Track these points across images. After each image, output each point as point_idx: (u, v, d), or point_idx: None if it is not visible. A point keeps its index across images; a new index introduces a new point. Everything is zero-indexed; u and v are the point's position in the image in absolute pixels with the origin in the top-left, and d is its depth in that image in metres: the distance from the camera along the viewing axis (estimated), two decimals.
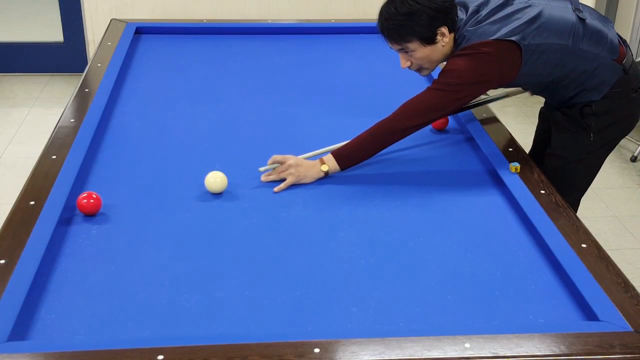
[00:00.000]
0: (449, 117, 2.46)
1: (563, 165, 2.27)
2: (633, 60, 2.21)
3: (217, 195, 2.00)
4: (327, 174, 2.11)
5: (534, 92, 2.31)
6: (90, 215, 1.89)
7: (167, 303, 1.59)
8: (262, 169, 2.10)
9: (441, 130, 2.44)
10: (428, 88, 2.11)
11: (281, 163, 2.10)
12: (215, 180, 1.99)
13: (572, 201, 2.26)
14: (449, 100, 2.08)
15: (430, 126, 2.43)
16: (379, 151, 2.14)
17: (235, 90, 2.73)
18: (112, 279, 1.66)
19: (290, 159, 2.10)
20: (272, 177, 2.09)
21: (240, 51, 3.11)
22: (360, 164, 2.15)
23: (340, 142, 2.17)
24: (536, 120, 2.57)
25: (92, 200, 1.89)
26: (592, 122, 2.18)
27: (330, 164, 2.11)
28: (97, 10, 4.59)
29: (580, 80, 2.12)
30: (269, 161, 2.11)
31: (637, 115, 2.30)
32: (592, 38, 2.10)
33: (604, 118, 2.18)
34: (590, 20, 2.13)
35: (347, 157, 2.12)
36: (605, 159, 2.33)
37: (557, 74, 2.10)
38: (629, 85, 2.18)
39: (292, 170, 2.07)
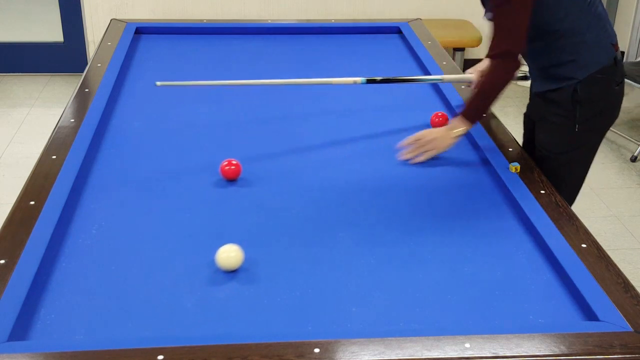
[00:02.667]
0: (449, 117, 2.46)
1: (551, 161, 2.29)
2: (622, 57, 2.26)
3: (225, 198, 2.00)
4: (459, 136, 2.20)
5: (531, 45, 2.30)
6: (233, 179, 2.05)
7: (167, 303, 1.59)
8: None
9: None
10: (494, 15, 2.10)
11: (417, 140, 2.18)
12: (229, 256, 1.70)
13: (565, 199, 2.27)
14: (519, 8, 2.05)
15: (429, 126, 2.43)
16: (501, 92, 2.15)
17: (235, 90, 2.73)
18: (112, 279, 1.66)
19: (427, 135, 2.19)
20: (411, 154, 2.19)
21: (240, 51, 3.11)
22: (358, 163, 2.15)
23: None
24: None
25: (232, 167, 2.03)
26: (577, 110, 2.21)
27: (462, 125, 2.18)
28: (97, 10, 4.60)
29: (577, 47, 2.17)
30: (404, 143, 2.20)
31: (618, 109, 2.34)
32: (601, 13, 2.20)
33: (588, 107, 2.22)
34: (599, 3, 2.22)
35: (475, 113, 2.19)
36: (592, 156, 2.35)
37: (566, 25, 2.15)
38: (614, 76, 2.24)
39: (430, 145, 2.17)
